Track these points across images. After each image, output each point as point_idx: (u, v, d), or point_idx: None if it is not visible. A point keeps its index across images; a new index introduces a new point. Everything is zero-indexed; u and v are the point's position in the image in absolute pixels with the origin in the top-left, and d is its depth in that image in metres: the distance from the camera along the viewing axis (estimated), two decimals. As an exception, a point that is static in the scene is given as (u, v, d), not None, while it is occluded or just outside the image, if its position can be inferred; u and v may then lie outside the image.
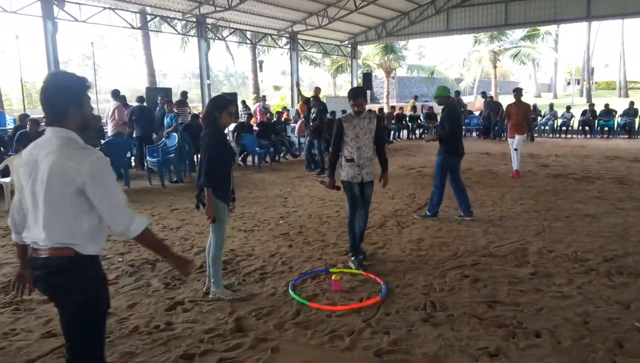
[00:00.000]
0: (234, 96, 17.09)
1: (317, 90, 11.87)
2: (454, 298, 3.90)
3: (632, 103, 17.27)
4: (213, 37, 18.20)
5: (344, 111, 16.00)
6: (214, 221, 3.89)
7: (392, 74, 34.14)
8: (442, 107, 6.38)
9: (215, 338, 3.32)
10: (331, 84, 45.05)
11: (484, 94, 19.20)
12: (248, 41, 21.51)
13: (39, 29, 12.67)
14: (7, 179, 7.55)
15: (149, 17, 16.54)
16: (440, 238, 5.58)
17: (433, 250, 5.18)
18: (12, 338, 3.35)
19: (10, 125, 11.02)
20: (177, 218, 6.77)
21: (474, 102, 28.95)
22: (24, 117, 9.33)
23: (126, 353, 3.14)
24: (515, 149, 9.25)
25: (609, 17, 19.52)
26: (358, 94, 4.63)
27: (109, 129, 10.78)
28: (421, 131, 18.69)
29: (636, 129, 16.59)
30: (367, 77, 21.10)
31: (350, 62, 25.17)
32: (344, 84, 37.53)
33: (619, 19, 20.60)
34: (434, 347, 3.15)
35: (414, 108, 19.67)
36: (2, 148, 9.00)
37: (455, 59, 36.51)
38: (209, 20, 16.99)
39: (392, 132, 17.20)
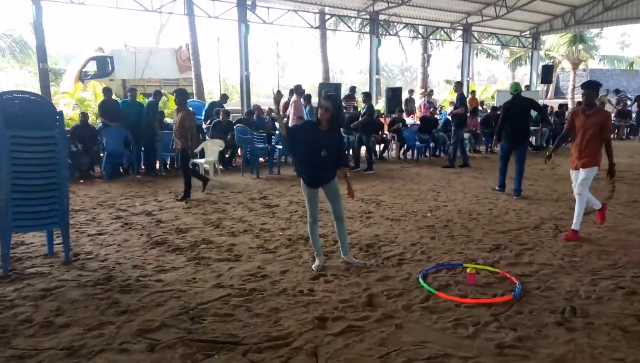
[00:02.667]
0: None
1: (459, 84, 11.37)
2: (600, 308, 3.65)
3: None
4: (384, 33, 18.67)
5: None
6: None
7: (582, 67, 30.64)
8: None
9: (348, 308, 3.70)
10: (509, 77, 42.29)
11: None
12: (420, 35, 21.50)
13: (235, 31, 14.65)
14: (202, 160, 9.08)
15: (327, 17, 17.76)
16: (602, 246, 5.13)
17: (589, 257, 4.81)
18: (192, 284, 4.19)
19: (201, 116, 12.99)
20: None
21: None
22: (218, 110, 10.96)
23: (273, 308, 3.71)
24: (579, 194, 5.42)
25: None
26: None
27: (290, 121, 12.01)
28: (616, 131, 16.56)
29: None
30: (548, 69, 19.33)
31: (530, 53, 23.39)
32: (524, 77, 34.89)
33: None
34: (562, 350, 3.06)
35: (602, 104, 17.47)
36: (200, 135, 10.71)
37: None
38: (381, 17, 17.51)
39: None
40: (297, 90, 11.66)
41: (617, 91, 19.31)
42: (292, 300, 3.85)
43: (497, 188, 8.06)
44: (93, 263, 4.70)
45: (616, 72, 35.68)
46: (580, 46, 25.56)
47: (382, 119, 13.22)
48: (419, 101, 17.31)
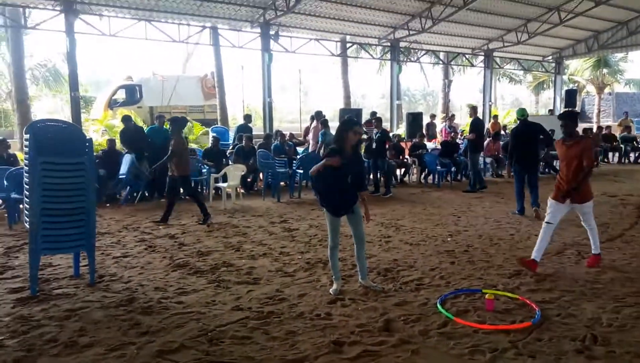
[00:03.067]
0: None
1: (474, 110, 11.48)
2: (622, 336, 3.58)
3: None
4: (405, 59, 18.88)
5: (552, 131, 14.88)
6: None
7: (608, 90, 30.27)
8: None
9: (364, 333, 3.71)
10: (533, 101, 41.97)
11: None
12: (441, 61, 21.66)
13: (259, 59, 15.03)
14: (224, 184, 9.26)
15: (348, 45, 18.08)
16: (626, 274, 5.02)
17: (613, 284, 4.72)
18: (211, 307, 4.26)
19: (231, 141, 13.30)
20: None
21: None
22: (241, 135, 11.21)
23: (290, 331, 3.75)
24: (590, 228, 5.36)
25: None
26: None
27: (310, 147, 12.18)
28: (637, 154, 16.27)
29: None
30: (572, 94, 19.18)
31: (553, 78, 23.26)
32: (548, 101, 34.59)
33: None
34: (581, 379, 3.02)
35: (627, 128, 17.21)
36: (224, 159, 10.93)
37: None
38: (402, 44, 17.73)
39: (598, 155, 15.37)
40: (318, 116, 11.84)
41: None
42: (309, 324, 3.88)
43: (516, 212, 8.09)
44: (117, 284, 4.83)
45: (643, 95, 35.10)
46: (605, 70, 25.31)
47: (402, 144, 13.27)
48: (440, 125, 17.33)
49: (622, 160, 16.35)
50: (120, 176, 9.43)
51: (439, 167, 11.94)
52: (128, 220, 7.90)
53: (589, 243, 6.22)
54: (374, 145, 10.22)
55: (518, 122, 8.39)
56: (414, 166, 12.61)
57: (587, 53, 21.45)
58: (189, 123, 12.12)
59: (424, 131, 16.01)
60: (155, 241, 6.50)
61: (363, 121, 14.44)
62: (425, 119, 17.88)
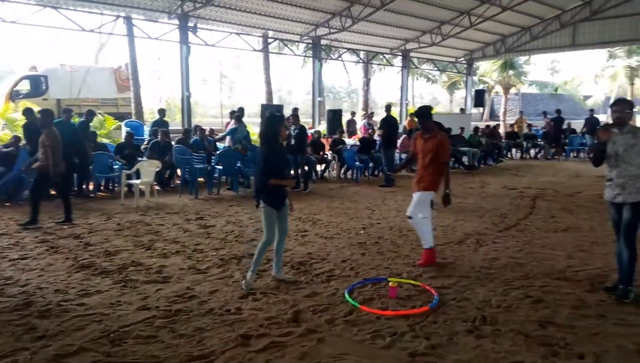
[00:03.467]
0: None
1: (387, 108, 12.19)
2: (507, 316, 3.93)
3: None
4: (327, 57, 19.16)
5: (462, 129, 15.86)
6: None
7: (514, 91, 32.58)
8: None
9: (273, 325, 3.77)
10: (449, 100, 44.22)
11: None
12: (361, 60, 22.22)
13: (178, 52, 14.56)
14: (137, 181, 8.93)
15: (270, 40, 18.02)
16: (517, 259, 5.49)
17: (504, 269, 5.14)
18: (116, 307, 4.12)
19: (146, 136, 12.81)
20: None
21: (604, 121, 26.34)
22: (155, 129, 10.86)
23: (198, 328, 3.72)
24: (410, 217, 5.38)
25: None
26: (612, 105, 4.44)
27: (226, 142, 12.02)
28: (537, 150, 17.72)
29: None
30: (481, 93, 20.54)
31: (465, 78, 24.67)
32: (461, 100, 36.69)
33: None
34: (468, 356, 3.28)
35: (523, 126, 18.69)
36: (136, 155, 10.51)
37: (589, 75, 33.70)
38: (323, 42, 17.97)
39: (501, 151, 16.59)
40: (237, 113, 11.81)
41: (544, 114, 20.69)
42: (218, 320, 3.88)
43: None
44: (12, 288, 4.53)
45: (545, 96, 38.24)
46: (511, 72, 27.21)
47: (324, 140, 13.51)
48: (360, 122, 17.81)
49: (524, 156, 17.73)
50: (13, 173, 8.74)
51: (357, 163, 12.29)
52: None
53: (488, 232, 6.77)
54: (292, 141, 10.30)
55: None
56: (334, 161, 12.88)
57: (495, 55, 22.94)
58: (99, 116, 11.53)
59: (345, 128, 16.41)
60: (59, 242, 6.14)
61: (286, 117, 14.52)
62: (347, 116, 18.34)
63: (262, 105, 16.23)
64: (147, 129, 13.50)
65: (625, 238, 4.25)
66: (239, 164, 10.27)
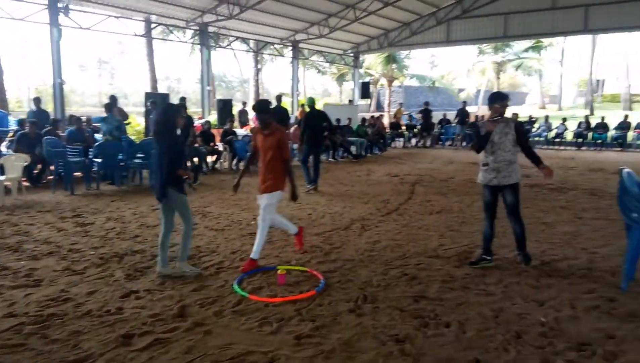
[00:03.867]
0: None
1: (277, 98, 12.45)
2: (386, 293, 4.22)
3: (626, 116, 17.41)
4: (215, 45, 18.72)
5: (349, 119, 16.46)
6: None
7: (398, 83, 34.49)
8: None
9: (157, 322, 3.67)
10: (339, 91, 45.55)
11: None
12: (251, 50, 22.03)
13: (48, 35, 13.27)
14: (2, 177, 8.05)
15: (153, 25, 17.13)
16: (396, 241, 5.89)
17: (385, 250, 5.49)
18: (-22, 316, 3.73)
19: (13, 126, 11.56)
20: (157, 217, 7.17)
21: (476, 112, 29.01)
22: (22, 119, 9.85)
23: (74, 332, 3.50)
24: (263, 221, 4.98)
25: (606, 31, 19.70)
26: (494, 100, 4.79)
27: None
28: (418, 139, 19.01)
29: (627, 142, 16.70)
30: (366, 86, 21.51)
31: (353, 71, 25.61)
32: (350, 91, 38.06)
33: (616, 32, 20.80)
34: (350, 333, 3.48)
35: (427, 114, 19.92)
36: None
37: (463, 70, 36.78)
38: (211, 29, 17.51)
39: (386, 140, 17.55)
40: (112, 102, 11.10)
41: (426, 103, 22.17)
42: (97, 321, 3.68)
43: (309, 186, 9.18)
44: None
45: (425, 88, 40.99)
46: (394, 65, 28.78)
47: (214, 131, 13.23)
48: (252, 112, 17.69)
49: (405, 145, 18.93)
50: None
51: (248, 153, 12.21)
52: None
53: (371, 217, 7.15)
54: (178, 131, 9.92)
55: (309, 108, 9.74)
56: (225, 153, 12.68)
57: (379, 49, 24.09)
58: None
59: (237, 118, 16.23)
60: None
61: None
62: (238, 106, 18.13)
63: (146, 93, 15.46)
64: (12, 119, 12.17)
65: (513, 215, 4.83)
66: (120, 156, 9.70)
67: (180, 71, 55.26)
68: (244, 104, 18.88)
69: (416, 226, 6.62)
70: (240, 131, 14.23)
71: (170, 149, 4.51)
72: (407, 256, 5.26)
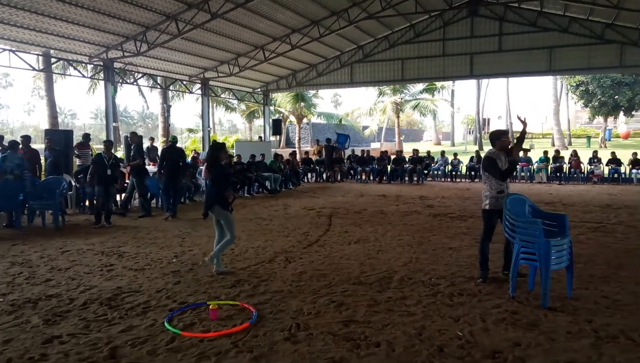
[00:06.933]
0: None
1: (133, 135, 11.97)
2: (318, 320, 4.42)
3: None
4: (121, 81, 18.19)
5: (263, 155, 16.69)
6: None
7: (306, 121, 35.56)
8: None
9: (88, 365, 3.54)
10: (247, 128, 45.80)
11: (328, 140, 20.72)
12: (159, 86, 21.64)
13: None
14: None
15: (53, 60, 16.28)
16: (321, 271, 6.14)
17: (311, 280, 5.71)
18: None
19: None
20: (68, 259, 6.78)
21: (378, 149, 30.72)
22: None
23: (-5, 383, 3.27)
24: None
25: (488, 76, 22.19)
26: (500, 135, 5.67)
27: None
28: (328, 174, 19.71)
29: (514, 174, 18.72)
30: (277, 123, 22.04)
31: (263, 108, 26.06)
32: (259, 128, 38.49)
33: (497, 77, 23.56)
34: (288, 360, 3.62)
35: (319, 153, 20.71)
36: None
37: (366, 108, 38.86)
38: (117, 65, 17.02)
39: (300, 175, 17.99)
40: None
41: (328, 140, 23.05)
42: (19, 370, 3.46)
43: (166, 213, 10.58)
44: None
45: (332, 126, 42.64)
46: (302, 104, 29.76)
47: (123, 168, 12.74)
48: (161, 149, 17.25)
49: (318, 179, 19.54)
50: None
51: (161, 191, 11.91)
52: None
53: (294, 249, 7.36)
54: (109, 171, 9.49)
55: (170, 143, 11.42)
56: (135, 191, 12.22)
57: (288, 88, 24.84)
58: None
59: (145, 155, 15.74)
60: None
61: (74, 143, 13.35)
62: (146, 143, 17.58)
63: (46, 130, 14.52)
64: None
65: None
66: (21, 197, 9.03)
67: (75, 106, 52.29)
68: (152, 140, 18.39)
69: (337, 256, 6.93)
70: (151, 168, 13.83)
71: (218, 176, 6.00)
72: (332, 285, 5.51)
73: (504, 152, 5.57)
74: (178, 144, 12.17)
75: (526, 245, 4.87)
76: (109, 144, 10.02)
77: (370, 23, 18.88)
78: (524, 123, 6.02)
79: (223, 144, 6.56)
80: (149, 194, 12.13)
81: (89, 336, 4.08)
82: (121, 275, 5.98)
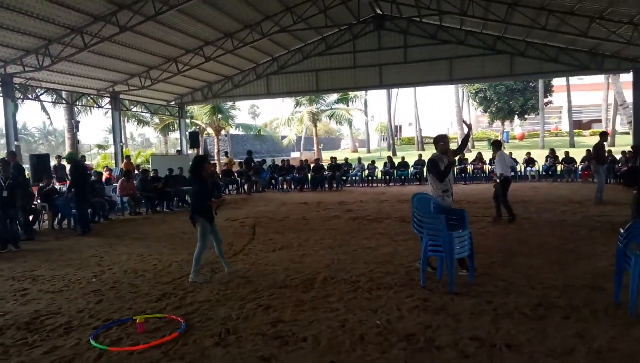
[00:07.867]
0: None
1: (76, 156, 12.30)
2: (246, 324, 4.60)
3: (420, 155, 20.85)
4: (22, 97, 17.08)
5: (181, 169, 16.34)
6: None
7: (224, 132, 35.22)
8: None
9: (11, 390, 3.46)
10: (162, 141, 44.42)
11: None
12: (64, 101, 20.52)
13: None
14: None
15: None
16: (247, 278, 6.31)
17: (238, 288, 5.86)
18: None
19: None
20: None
21: (298, 158, 31.19)
22: None
23: None
24: None
25: (396, 86, 23.58)
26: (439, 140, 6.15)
27: None
28: (249, 185, 19.76)
29: (424, 176, 19.96)
30: (194, 136, 21.76)
31: (178, 121, 25.54)
32: (176, 141, 37.53)
33: (405, 87, 25.10)
34: (220, 362, 3.78)
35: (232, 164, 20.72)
36: None
37: (284, 119, 39.28)
38: (17, 80, 15.98)
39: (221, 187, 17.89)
40: None
41: (249, 152, 23.19)
42: None
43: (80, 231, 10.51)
44: None
45: (251, 137, 42.57)
46: (220, 115, 29.49)
47: (32, 189, 12.01)
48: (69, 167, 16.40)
49: (240, 191, 19.53)
50: None
51: (74, 210, 11.38)
52: None
53: (217, 261, 7.42)
54: (4, 193, 8.87)
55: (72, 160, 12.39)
56: (44, 211, 11.60)
57: (203, 100, 24.59)
58: None
59: (53, 174, 14.91)
60: None
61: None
62: (53, 161, 16.64)
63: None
64: None
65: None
66: None
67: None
68: (59, 158, 17.44)
69: (263, 263, 7.12)
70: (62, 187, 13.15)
71: (200, 188, 6.33)
72: (259, 290, 5.70)
73: (445, 154, 6.13)
74: (87, 162, 11.94)
75: (432, 238, 5.40)
76: (4, 163, 9.36)
77: (283, 36, 19.30)
78: (469, 127, 6.92)
79: (205, 156, 6.86)
80: (59, 215, 11.58)
81: (9, 361, 3.95)
82: (37, 298, 5.76)
